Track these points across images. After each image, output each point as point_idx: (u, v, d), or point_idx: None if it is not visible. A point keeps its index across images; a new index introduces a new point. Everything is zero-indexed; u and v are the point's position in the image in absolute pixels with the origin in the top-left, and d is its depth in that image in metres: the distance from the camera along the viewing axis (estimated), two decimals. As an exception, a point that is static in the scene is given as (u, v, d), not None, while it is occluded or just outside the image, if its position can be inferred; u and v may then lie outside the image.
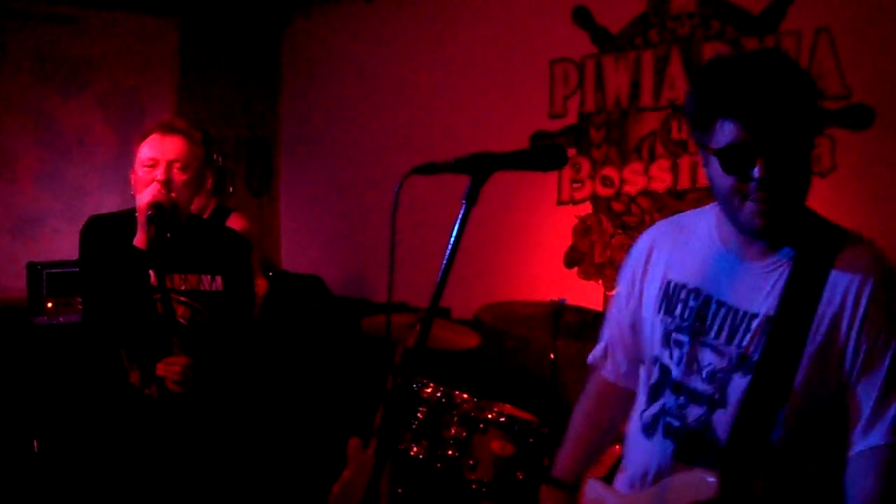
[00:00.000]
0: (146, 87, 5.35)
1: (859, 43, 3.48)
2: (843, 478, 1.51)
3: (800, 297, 1.48)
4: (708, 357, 1.59)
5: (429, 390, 3.21)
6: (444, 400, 3.18)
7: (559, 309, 3.31)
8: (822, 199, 1.57)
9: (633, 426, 1.76)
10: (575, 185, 4.39)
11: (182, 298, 2.55)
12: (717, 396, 1.56)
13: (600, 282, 4.32)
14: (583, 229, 4.38)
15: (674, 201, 4.02)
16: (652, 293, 1.71)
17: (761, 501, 1.52)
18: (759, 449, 1.50)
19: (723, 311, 1.58)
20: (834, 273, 1.49)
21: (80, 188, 5.10)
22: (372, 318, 3.75)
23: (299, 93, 5.88)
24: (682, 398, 1.62)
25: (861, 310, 1.47)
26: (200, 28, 5.52)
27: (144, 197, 2.44)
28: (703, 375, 1.59)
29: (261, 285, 3.90)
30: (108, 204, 4.78)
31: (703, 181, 3.96)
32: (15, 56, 4.89)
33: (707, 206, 1.66)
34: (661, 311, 1.68)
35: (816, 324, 1.48)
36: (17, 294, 4.42)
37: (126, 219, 2.54)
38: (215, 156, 3.83)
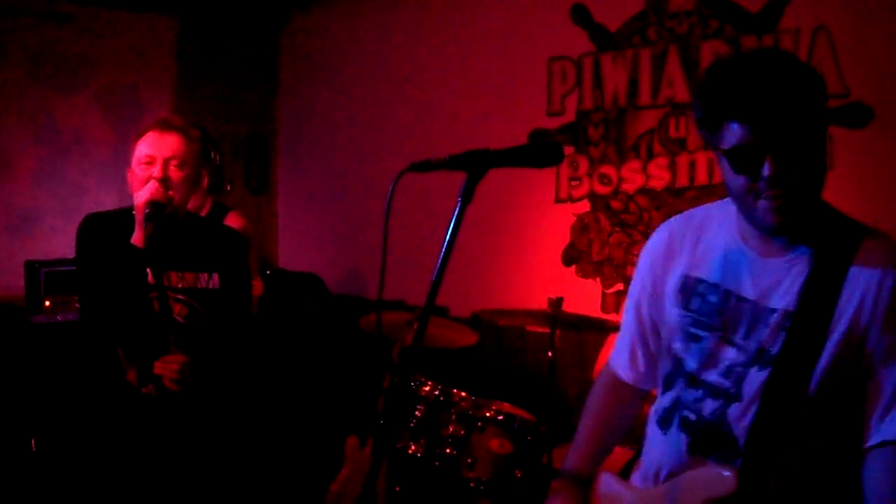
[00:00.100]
0: (144, 84, 5.35)
1: (858, 41, 3.48)
2: (860, 471, 1.51)
3: (820, 292, 1.49)
4: (726, 351, 1.59)
5: (427, 388, 3.21)
6: (442, 398, 3.18)
7: (557, 308, 3.30)
8: (821, 197, 1.57)
9: (650, 419, 1.77)
10: (573, 183, 4.39)
11: (179, 296, 2.55)
12: (732, 391, 1.57)
13: (598, 280, 4.32)
14: (581, 227, 4.38)
15: (672, 199, 4.02)
16: (670, 287, 1.71)
17: (779, 496, 1.52)
18: (777, 443, 1.50)
19: (742, 305, 1.58)
20: (854, 268, 1.49)
21: (78, 186, 5.09)
22: (369, 317, 3.75)
23: (297, 91, 5.88)
24: (698, 392, 1.62)
25: (882, 304, 1.47)
26: (198, 26, 5.51)
27: (142, 195, 2.44)
28: (720, 369, 1.59)
29: (257, 286, 3.89)
30: (106, 202, 4.79)
31: (701, 179, 3.96)
32: (13, 53, 4.88)
33: (725, 201, 1.66)
34: (679, 306, 1.68)
35: (836, 318, 1.48)
36: (15, 292, 4.42)
37: (123, 217, 2.54)
38: (213, 154, 3.81)
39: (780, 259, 1.55)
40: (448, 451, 3.09)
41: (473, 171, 1.42)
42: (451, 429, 3.11)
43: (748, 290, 1.58)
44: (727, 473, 1.51)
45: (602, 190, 4.30)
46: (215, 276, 2.61)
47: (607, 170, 4.27)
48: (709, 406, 1.60)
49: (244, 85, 5.79)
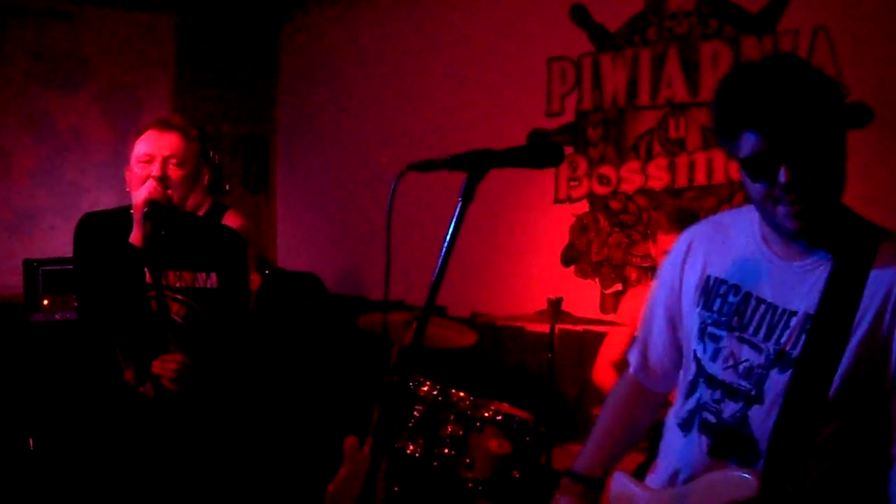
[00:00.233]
0: (143, 83, 5.34)
1: (858, 42, 3.48)
2: (886, 475, 1.51)
3: (841, 294, 1.50)
4: (745, 352, 1.60)
5: (425, 388, 3.21)
6: (440, 398, 3.18)
7: (556, 308, 3.30)
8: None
9: (670, 423, 1.77)
10: (572, 184, 4.39)
11: (177, 296, 2.55)
12: (753, 392, 1.57)
13: (597, 280, 4.32)
14: (580, 228, 4.38)
15: (671, 200, 4.02)
16: (690, 288, 1.72)
17: (802, 500, 1.52)
18: (800, 446, 1.50)
19: (762, 307, 1.59)
20: (875, 270, 1.50)
21: (76, 185, 5.09)
22: (368, 316, 3.74)
23: (297, 90, 5.88)
24: (717, 393, 1.63)
25: None
26: (198, 25, 5.51)
27: (140, 194, 2.43)
28: (740, 371, 1.60)
29: (254, 280, 3.89)
30: (105, 201, 4.78)
31: (700, 179, 3.96)
32: (12, 53, 4.88)
33: (748, 207, 1.67)
34: (699, 306, 1.69)
35: (858, 320, 1.49)
36: (14, 291, 4.42)
37: (121, 216, 2.53)
38: (212, 153, 3.81)
39: (800, 262, 1.56)
40: (447, 451, 3.08)
41: (474, 171, 1.42)
42: (449, 429, 3.11)
43: (768, 293, 1.59)
44: (749, 476, 1.51)
45: (601, 190, 4.29)
46: (213, 276, 2.60)
47: (606, 170, 4.27)
48: (729, 408, 1.60)
49: (244, 84, 5.79)
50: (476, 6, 4.79)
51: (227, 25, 5.64)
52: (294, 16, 5.85)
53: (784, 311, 1.56)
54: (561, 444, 3.35)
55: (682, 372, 1.77)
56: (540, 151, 1.48)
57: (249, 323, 2.96)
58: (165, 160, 2.48)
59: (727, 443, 1.60)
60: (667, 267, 1.81)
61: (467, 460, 3.06)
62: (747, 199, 1.59)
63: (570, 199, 4.40)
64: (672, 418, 1.76)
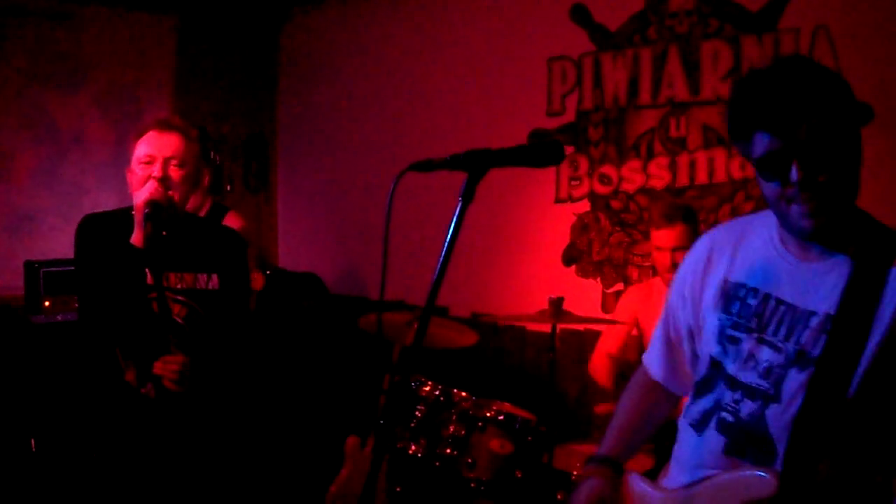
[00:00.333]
0: (144, 84, 5.34)
1: (858, 40, 3.48)
2: None
3: (861, 295, 1.51)
4: (765, 353, 1.60)
5: (427, 388, 3.21)
6: (442, 398, 3.17)
7: (558, 308, 3.29)
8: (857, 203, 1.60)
9: (682, 424, 1.77)
10: (573, 183, 4.39)
11: (178, 297, 2.55)
12: (771, 392, 1.58)
13: (598, 279, 4.31)
14: (581, 227, 4.38)
15: (672, 199, 4.02)
16: (710, 292, 1.73)
17: (820, 499, 1.52)
18: (817, 445, 1.51)
19: (781, 308, 1.60)
20: (894, 270, 1.51)
21: (77, 186, 5.09)
22: (369, 316, 3.74)
23: (297, 90, 5.88)
24: (737, 393, 1.63)
25: None
26: (198, 25, 5.50)
27: (141, 195, 2.43)
28: (759, 371, 1.60)
29: (257, 279, 3.90)
30: (106, 202, 4.78)
31: (701, 178, 3.95)
32: (12, 53, 4.88)
33: (767, 211, 1.69)
34: (719, 309, 1.70)
35: (878, 321, 1.50)
36: (15, 292, 4.42)
37: (122, 217, 2.53)
38: (212, 153, 3.82)
39: (820, 264, 1.58)
40: (448, 451, 3.08)
41: (474, 170, 1.42)
42: (451, 429, 3.11)
43: (788, 294, 1.60)
44: (767, 475, 1.51)
45: (602, 190, 4.29)
46: (214, 277, 2.61)
47: (607, 169, 4.27)
48: (747, 407, 1.61)
49: (244, 84, 5.79)
50: (476, 6, 4.78)
51: (227, 26, 5.63)
52: (294, 16, 5.84)
53: (804, 311, 1.57)
54: (563, 444, 3.35)
55: (695, 370, 1.78)
56: (540, 150, 1.48)
57: (250, 323, 2.96)
58: (166, 161, 2.48)
59: (744, 442, 1.60)
60: (686, 273, 1.82)
61: (469, 460, 3.05)
62: (763, 201, 1.60)
63: (571, 199, 4.40)
64: (683, 420, 1.76)
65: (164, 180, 2.46)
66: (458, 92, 4.85)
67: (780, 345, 1.58)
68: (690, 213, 3.33)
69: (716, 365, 1.68)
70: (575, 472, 2.99)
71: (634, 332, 3.63)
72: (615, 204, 4.25)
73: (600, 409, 3.53)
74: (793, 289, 1.59)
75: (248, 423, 3.09)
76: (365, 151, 5.36)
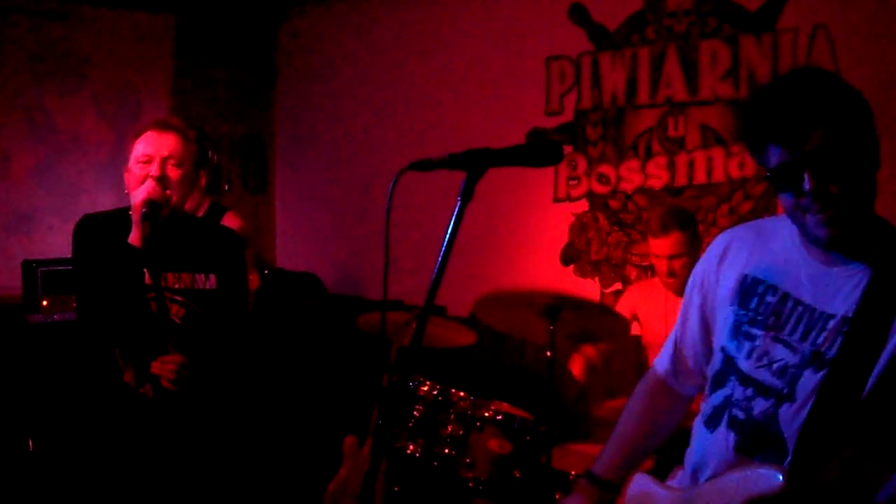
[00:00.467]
0: (142, 83, 5.34)
1: (857, 40, 3.48)
2: None
3: (880, 300, 1.51)
4: (780, 352, 1.61)
5: (425, 388, 3.20)
6: (440, 398, 3.17)
7: (557, 306, 3.29)
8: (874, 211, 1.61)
9: (697, 419, 1.77)
10: (571, 183, 4.39)
11: (176, 297, 2.54)
12: (785, 391, 1.58)
13: (597, 279, 4.31)
14: (579, 227, 4.38)
15: (670, 199, 4.02)
16: (727, 286, 1.73)
17: (829, 498, 1.52)
18: (827, 444, 1.51)
19: (799, 308, 1.60)
20: None
21: (75, 185, 5.09)
22: (367, 316, 3.74)
23: (295, 90, 5.87)
24: (749, 390, 1.63)
25: None
26: (196, 24, 5.50)
27: (139, 194, 2.43)
28: (774, 369, 1.61)
29: (253, 280, 3.89)
30: (103, 201, 4.78)
31: (699, 178, 3.96)
32: (10, 52, 4.87)
33: None
34: (736, 304, 1.70)
35: (895, 326, 1.50)
36: (12, 292, 4.41)
37: (120, 217, 2.53)
38: (210, 153, 3.81)
39: (841, 268, 1.58)
40: (447, 451, 3.08)
41: (473, 170, 1.42)
42: (449, 429, 3.10)
43: (807, 295, 1.60)
44: (774, 472, 1.51)
45: (600, 189, 4.29)
46: (212, 277, 2.60)
47: (606, 169, 4.27)
48: (759, 405, 1.61)
49: (242, 84, 5.78)
50: (475, 6, 4.78)
51: (225, 25, 5.63)
52: (293, 15, 5.84)
53: (822, 313, 1.58)
54: (561, 444, 3.34)
55: (708, 366, 1.78)
56: (539, 150, 1.48)
57: (249, 323, 2.95)
58: (164, 161, 2.48)
59: (755, 440, 1.61)
60: (701, 270, 1.83)
61: (467, 460, 3.05)
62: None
63: (570, 198, 4.40)
64: (699, 416, 1.76)
65: (162, 180, 2.46)
66: (456, 91, 4.85)
67: (796, 345, 1.59)
68: (687, 220, 3.30)
69: (729, 360, 1.68)
70: (573, 472, 2.99)
71: (635, 331, 3.63)
72: (613, 203, 4.25)
73: (598, 410, 3.53)
74: (813, 291, 1.60)
75: (247, 423, 3.08)
76: (363, 151, 5.35)
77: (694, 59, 3.94)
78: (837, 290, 1.57)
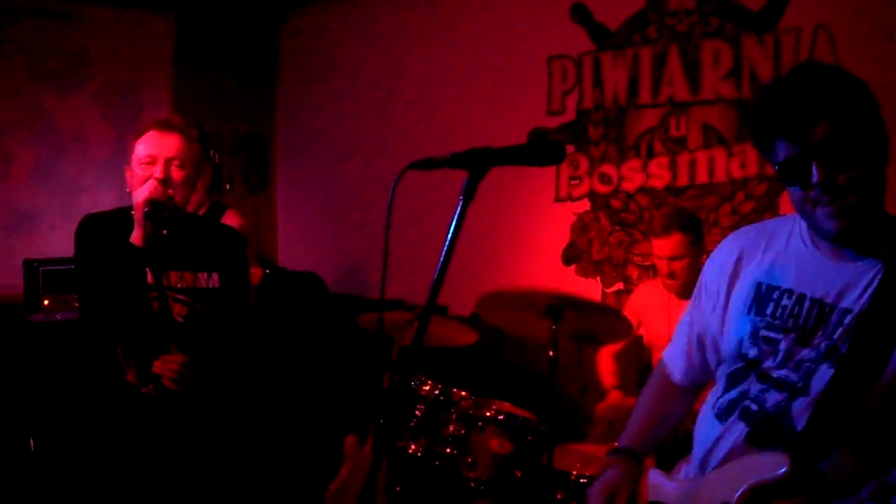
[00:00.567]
0: (143, 83, 5.34)
1: (858, 40, 3.48)
2: None
3: (892, 296, 1.52)
4: (799, 351, 1.62)
5: (427, 388, 3.20)
6: (442, 397, 3.17)
7: (558, 306, 3.29)
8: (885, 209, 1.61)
9: (706, 412, 1.78)
10: (573, 182, 4.38)
11: (179, 296, 2.54)
12: (799, 385, 1.59)
13: (598, 279, 4.31)
14: (581, 226, 4.37)
15: (672, 198, 4.01)
16: (741, 296, 1.74)
17: (832, 485, 1.52)
18: (834, 436, 1.52)
19: (816, 307, 1.61)
20: None
21: (76, 185, 5.09)
22: (369, 315, 3.73)
23: (296, 89, 5.87)
24: (765, 385, 1.65)
25: None
26: (197, 24, 5.50)
27: (141, 194, 2.43)
28: (791, 366, 1.62)
29: (255, 274, 3.89)
30: (105, 200, 4.78)
31: (701, 178, 3.95)
32: (11, 52, 4.87)
33: (795, 214, 1.71)
34: (752, 312, 1.70)
35: None
36: (14, 291, 4.41)
37: (121, 216, 2.53)
38: (212, 153, 3.81)
39: (854, 264, 1.59)
40: (448, 450, 3.07)
41: (475, 169, 1.42)
42: (451, 428, 3.10)
43: (822, 293, 1.61)
44: (781, 460, 1.52)
45: (602, 189, 4.29)
46: (215, 276, 2.60)
47: (607, 169, 4.27)
48: (772, 397, 1.62)
49: (243, 83, 5.78)
50: (477, 5, 4.78)
51: (226, 24, 5.63)
52: (294, 15, 5.84)
53: (838, 309, 1.58)
54: (563, 444, 3.34)
55: (722, 367, 1.79)
56: (541, 149, 1.48)
57: (251, 322, 2.96)
58: (168, 162, 2.48)
59: (766, 431, 1.61)
60: (714, 276, 1.83)
61: (469, 460, 3.05)
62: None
63: (571, 198, 4.40)
64: (708, 410, 1.77)
65: (166, 181, 2.46)
66: (458, 90, 4.85)
67: (814, 341, 1.60)
68: (690, 222, 3.28)
69: (750, 363, 1.69)
70: (574, 472, 2.98)
71: (639, 331, 3.62)
72: (615, 203, 4.25)
73: (601, 409, 3.53)
74: (827, 287, 1.60)
75: (248, 422, 3.08)
76: (365, 150, 5.35)
77: (696, 58, 3.94)
78: (852, 286, 1.57)
